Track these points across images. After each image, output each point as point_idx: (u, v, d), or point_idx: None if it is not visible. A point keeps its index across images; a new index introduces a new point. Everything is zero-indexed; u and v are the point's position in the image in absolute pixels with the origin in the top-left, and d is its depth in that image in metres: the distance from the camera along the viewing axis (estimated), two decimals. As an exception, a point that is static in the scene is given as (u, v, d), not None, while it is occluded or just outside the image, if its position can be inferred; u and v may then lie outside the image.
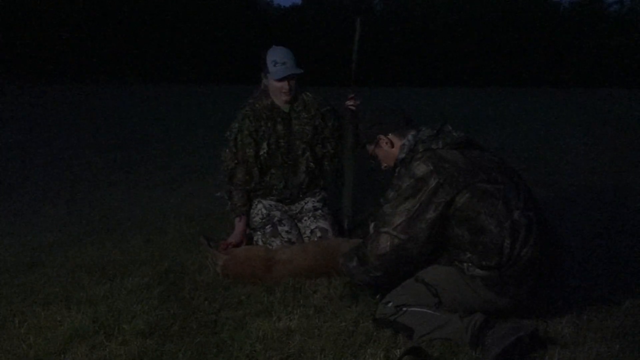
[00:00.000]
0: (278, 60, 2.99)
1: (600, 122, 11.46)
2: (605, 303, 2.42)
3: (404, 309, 2.11)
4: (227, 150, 3.13)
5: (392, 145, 2.34)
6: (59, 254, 3.21)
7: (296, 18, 42.71)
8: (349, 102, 3.02)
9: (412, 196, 2.10)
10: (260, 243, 3.04)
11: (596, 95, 21.26)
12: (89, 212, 4.30)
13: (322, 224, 3.06)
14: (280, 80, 2.99)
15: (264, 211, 3.13)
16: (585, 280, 2.71)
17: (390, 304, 2.14)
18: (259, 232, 3.09)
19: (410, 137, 2.29)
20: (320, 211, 3.14)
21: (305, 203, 3.20)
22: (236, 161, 3.10)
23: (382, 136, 2.36)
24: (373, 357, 1.96)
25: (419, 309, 2.09)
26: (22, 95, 18.17)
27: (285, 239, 3.01)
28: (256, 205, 3.17)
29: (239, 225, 3.13)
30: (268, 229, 3.06)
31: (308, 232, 3.07)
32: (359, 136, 2.51)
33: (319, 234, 3.04)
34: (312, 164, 3.16)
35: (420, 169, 2.12)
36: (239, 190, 3.13)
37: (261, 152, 3.09)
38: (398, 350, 1.98)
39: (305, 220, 3.12)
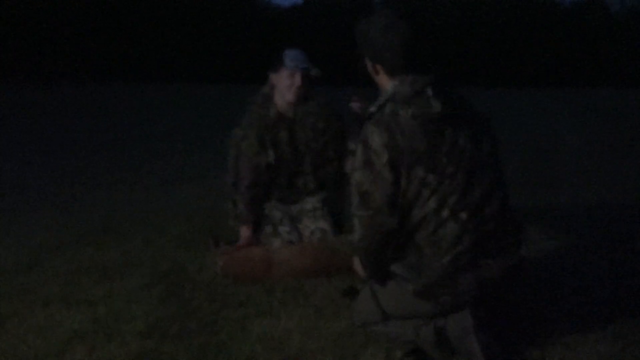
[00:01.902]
0: (298, 58, 2.99)
1: (601, 122, 11.45)
2: (605, 303, 2.41)
3: (367, 329, 2.12)
4: (231, 159, 3.10)
5: (377, 73, 2.02)
6: (59, 255, 3.21)
7: (296, 18, 42.70)
8: (354, 104, 3.00)
9: (364, 168, 1.88)
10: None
11: (596, 95, 21.26)
12: (89, 212, 4.29)
13: (322, 224, 3.06)
14: (293, 73, 2.96)
15: (264, 212, 3.13)
16: (585, 280, 2.71)
17: (356, 323, 2.16)
18: (259, 233, 3.09)
19: (391, 85, 1.95)
20: (320, 212, 3.13)
21: (305, 203, 3.19)
22: (240, 168, 3.06)
23: (368, 60, 2.02)
24: (373, 357, 1.96)
25: (377, 328, 2.08)
26: (22, 95, 18.17)
27: (286, 239, 3.00)
28: (256, 205, 3.16)
29: (245, 232, 3.06)
30: (268, 229, 3.05)
31: (308, 232, 3.07)
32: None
33: (318, 235, 3.03)
34: (314, 167, 3.14)
35: (375, 139, 1.86)
36: (244, 198, 3.07)
37: (268, 160, 3.06)
38: (398, 351, 1.98)
39: (305, 220, 3.11)
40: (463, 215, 1.86)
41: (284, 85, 3.00)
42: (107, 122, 11.29)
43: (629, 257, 3.08)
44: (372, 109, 1.97)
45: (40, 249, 3.33)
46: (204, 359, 1.99)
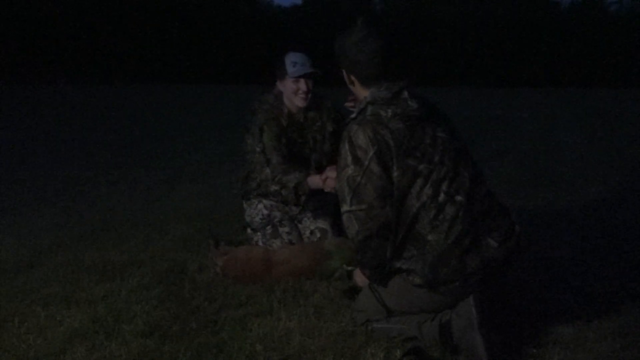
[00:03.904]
0: (298, 62, 2.98)
1: (600, 122, 11.45)
2: (605, 303, 2.42)
3: (369, 327, 2.13)
4: (257, 152, 3.01)
5: (352, 84, 2.15)
6: (59, 254, 3.21)
7: (296, 18, 42.72)
8: (349, 104, 3.00)
9: (354, 164, 1.97)
10: (260, 244, 3.04)
11: (596, 95, 21.25)
12: (89, 212, 4.30)
13: (322, 224, 3.06)
14: (297, 79, 2.97)
15: (265, 211, 3.13)
16: (585, 280, 2.71)
17: (358, 322, 2.17)
18: (259, 233, 3.09)
19: (368, 94, 2.07)
20: (320, 211, 3.13)
21: (306, 204, 3.19)
22: (269, 155, 3.01)
23: (344, 71, 2.15)
24: (373, 357, 1.96)
25: (379, 325, 2.10)
26: (22, 95, 18.17)
27: (286, 240, 3.01)
28: (257, 205, 3.16)
29: (315, 179, 2.83)
30: (268, 229, 3.05)
31: (308, 232, 3.07)
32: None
33: (318, 235, 3.04)
34: (318, 167, 3.14)
35: (360, 136, 1.97)
36: (285, 173, 2.93)
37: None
38: (398, 351, 1.98)
39: (305, 221, 3.12)
40: (458, 198, 1.97)
41: (290, 91, 3.01)
42: (108, 122, 11.29)
43: (628, 256, 3.08)
44: (353, 115, 2.08)
45: (40, 249, 3.33)
46: (204, 358, 1.99)
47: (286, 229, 3.04)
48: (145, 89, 23.37)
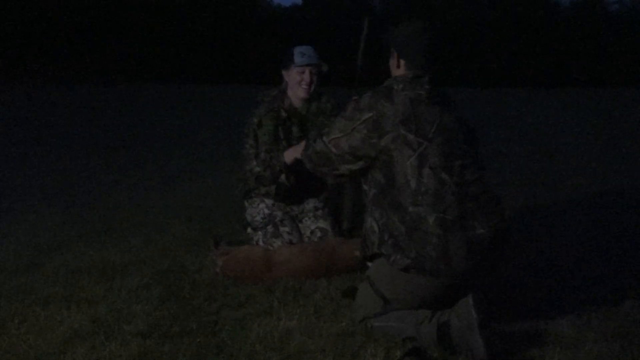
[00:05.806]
0: (305, 53, 3.04)
1: (601, 121, 11.46)
2: (605, 303, 2.42)
3: (368, 324, 2.14)
4: (248, 146, 3.08)
5: (398, 66, 2.27)
6: (59, 254, 3.21)
7: (296, 18, 42.71)
8: None
9: (349, 119, 2.18)
10: (260, 243, 3.04)
11: (596, 95, 21.26)
12: (89, 212, 4.29)
13: (322, 224, 3.06)
14: (302, 70, 3.02)
15: (266, 211, 3.13)
16: (585, 280, 2.71)
17: (357, 319, 2.19)
18: (259, 232, 3.09)
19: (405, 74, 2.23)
20: (320, 211, 3.14)
21: (307, 203, 3.19)
22: (257, 154, 3.06)
23: (396, 53, 2.27)
24: (373, 357, 1.96)
25: (378, 324, 2.12)
26: (22, 95, 18.18)
27: (287, 240, 3.01)
28: (258, 204, 3.17)
29: (289, 151, 2.97)
30: (269, 229, 3.05)
31: (308, 232, 3.07)
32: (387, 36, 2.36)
33: (319, 234, 3.04)
34: None
35: (365, 99, 2.19)
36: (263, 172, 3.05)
37: (280, 150, 3.07)
38: (398, 351, 1.98)
39: (306, 220, 3.12)
40: (444, 176, 2.04)
41: (294, 82, 3.06)
42: (108, 122, 11.28)
43: (628, 257, 3.08)
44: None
45: (41, 248, 3.33)
46: (204, 358, 1.99)
47: (287, 229, 3.04)
48: (145, 89, 23.36)
